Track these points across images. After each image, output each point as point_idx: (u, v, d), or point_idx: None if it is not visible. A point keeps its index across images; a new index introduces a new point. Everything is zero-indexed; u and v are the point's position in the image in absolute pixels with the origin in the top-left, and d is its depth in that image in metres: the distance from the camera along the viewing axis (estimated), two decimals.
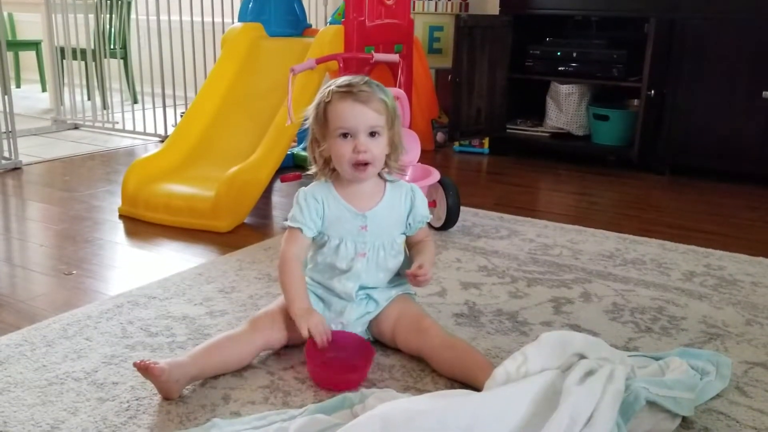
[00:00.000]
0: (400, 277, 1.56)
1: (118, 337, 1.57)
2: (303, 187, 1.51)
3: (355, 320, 1.50)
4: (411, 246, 1.59)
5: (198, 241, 2.28)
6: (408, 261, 1.56)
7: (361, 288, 1.50)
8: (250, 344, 1.42)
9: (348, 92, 1.41)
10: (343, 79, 1.45)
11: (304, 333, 1.40)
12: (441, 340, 1.42)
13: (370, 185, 1.51)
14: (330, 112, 1.43)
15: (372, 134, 1.42)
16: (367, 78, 1.47)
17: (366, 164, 1.43)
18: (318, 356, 1.39)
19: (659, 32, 3.13)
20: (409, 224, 1.55)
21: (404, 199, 1.53)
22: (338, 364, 1.39)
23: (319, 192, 1.49)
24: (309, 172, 1.53)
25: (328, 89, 1.44)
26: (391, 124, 1.45)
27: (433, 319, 1.50)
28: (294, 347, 1.51)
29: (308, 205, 1.48)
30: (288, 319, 1.46)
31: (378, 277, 1.52)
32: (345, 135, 1.42)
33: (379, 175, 1.52)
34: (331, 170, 1.48)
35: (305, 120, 1.50)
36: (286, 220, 1.50)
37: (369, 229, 1.49)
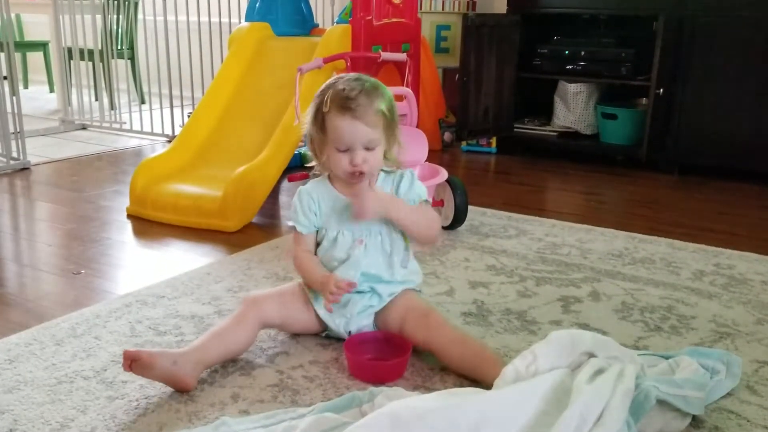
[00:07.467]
0: (405, 270, 1.55)
1: (127, 336, 1.57)
2: (302, 186, 1.56)
3: (357, 313, 1.51)
4: None
5: (206, 240, 2.29)
6: (407, 245, 1.56)
7: (363, 275, 1.50)
8: (244, 320, 1.45)
9: (346, 108, 1.42)
10: (340, 85, 1.45)
11: (332, 289, 1.41)
12: (451, 336, 1.43)
13: None
14: (328, 124, 1.44)
15: (368, 148, 1.45)
16: (364, 83, 1.46)
17: (362, 174, 1.46)
18: (359, 353, 1.45)
19: (668, 30, 3.12)
20: None
21: (391, 185, 1.54)
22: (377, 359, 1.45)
23: (314, 190, 1.54)
24: (310, 165, 1.56)
25: (326, 96, 1.45)
26: (387, 126, 1.46)
27: (439, 312, 1.51)
28: (303, 348, 1.51)
29: (302, 205, 1.54)
30: (280, 295, 1.53)
31: (378, 261, 1.52)
32: (342, 149, 1.45)
33: None
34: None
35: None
36: (290, 220, 1.56)
37: None
